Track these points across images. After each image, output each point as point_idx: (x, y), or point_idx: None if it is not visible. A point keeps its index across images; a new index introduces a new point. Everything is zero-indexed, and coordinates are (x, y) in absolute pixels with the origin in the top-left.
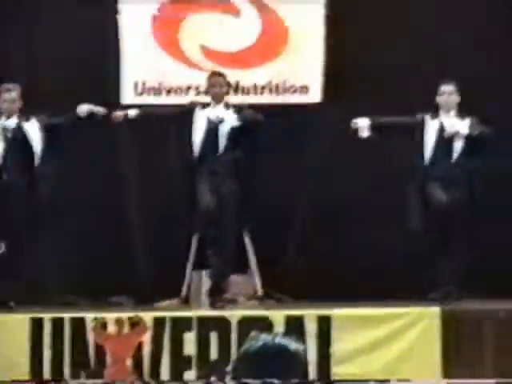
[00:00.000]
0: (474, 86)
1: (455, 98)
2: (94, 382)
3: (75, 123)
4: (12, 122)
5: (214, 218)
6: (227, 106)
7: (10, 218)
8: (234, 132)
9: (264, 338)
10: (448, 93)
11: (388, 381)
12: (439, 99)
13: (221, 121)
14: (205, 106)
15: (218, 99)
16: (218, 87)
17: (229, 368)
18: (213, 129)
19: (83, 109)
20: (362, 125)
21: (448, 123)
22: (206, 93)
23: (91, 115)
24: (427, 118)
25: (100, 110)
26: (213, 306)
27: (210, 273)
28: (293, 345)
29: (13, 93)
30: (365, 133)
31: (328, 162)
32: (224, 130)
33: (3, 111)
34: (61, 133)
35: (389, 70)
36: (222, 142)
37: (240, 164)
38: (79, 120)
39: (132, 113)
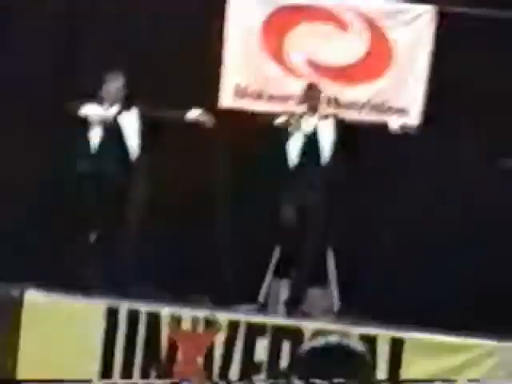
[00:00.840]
0: None
1: None
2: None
3: (178, 123)
4: (112, 112)
5: (298, 232)
6: (324, 117)
7: (100, 209)
8: (330, 145)
9: (329, 338)
10: None
11: (455, 380)
12: None
13: (314, 133)
14: (301, 116)
15: (313, 111)
16: (313, 100)
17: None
18: (308, 141)
19: (193, 114)
20: None
21: None
22: (303, 103)
23: (197, 120)
24: None
25: (207, 119)
26: (289, 315)
27: (289, 283)
28: (359, 347)
29: (118, 82)
30: None
31: (421, 187)
32: (320, 143)
33: (106, 99)
34: (159, 128)
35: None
36: (318, 155)
37: (332, 179)
38: (183, 121)
39: None
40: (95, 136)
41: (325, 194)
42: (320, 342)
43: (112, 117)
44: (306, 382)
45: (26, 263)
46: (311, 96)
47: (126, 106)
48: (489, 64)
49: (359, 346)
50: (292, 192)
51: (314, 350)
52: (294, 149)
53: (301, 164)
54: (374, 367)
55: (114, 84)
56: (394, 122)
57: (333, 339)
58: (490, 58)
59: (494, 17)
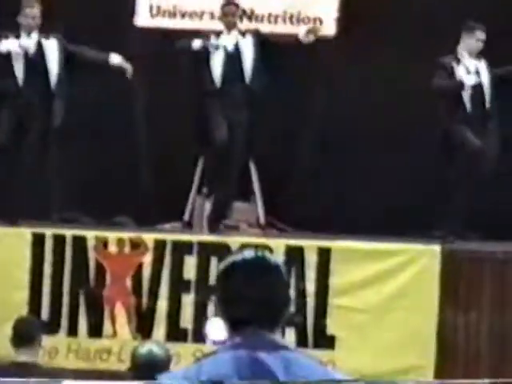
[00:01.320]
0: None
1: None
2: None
3: (99, 64)
4: (31, 40)
5: (222, 148)
6: (243, 33)
7: (23, 135)
8: (251, 61)
9: (245, 253)
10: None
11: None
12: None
13: (236, 50)
14: (219, 34)
15: (230, 27)
16: (230, 16)
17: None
18: (230, 59)
19: (115, 60)
20: None
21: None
22: (220, 20)
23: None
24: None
25: (128, 68)
26: (214, 231)
27: (212, 198)
28: (273, 259)
29: (35, 9)
30: None
31: (337, 96)
32: (242, 60)
33: (23, 27)
34: (79, 61)
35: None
36: (240, 72)
37: (254, 92)
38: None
39: None
40: (19, 71)
41: (248, 109)
42: (236, 257)
43: (33, 44)
44: (223, 299)
45: None
46: (229, 12)
47: (45, 33)
48: None
49: (274, 258)
50: (218, 109)
51: (231, 266)
52: (216, 67)
53: (224, 82)
54: (289, 278)
55: (31, 10)
56: (302, 31)
57: (248, 253)
58: None
59: None
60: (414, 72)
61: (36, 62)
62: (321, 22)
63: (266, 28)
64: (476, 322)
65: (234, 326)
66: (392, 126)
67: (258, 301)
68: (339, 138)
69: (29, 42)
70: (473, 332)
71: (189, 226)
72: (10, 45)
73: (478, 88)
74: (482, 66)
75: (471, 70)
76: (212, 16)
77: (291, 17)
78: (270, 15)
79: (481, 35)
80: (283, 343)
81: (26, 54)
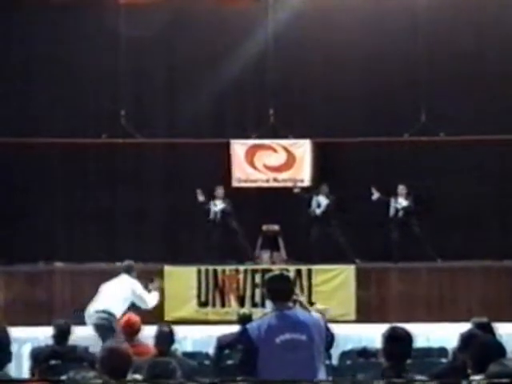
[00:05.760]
0: None
1: None
2: None
3: None
4: None
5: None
6: None
7: None
8: None
9: (278, 271)
10: None
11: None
12: None
13: None
14: None
15: None
16: None
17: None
18: None
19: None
20: None
21: None
22: None
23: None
24: None
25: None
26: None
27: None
28: (285, 273)
29: None
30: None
31: None
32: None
33: None
34: None
35: None
36: None
37: None
38: None
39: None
40: None
41: None
42: (275, 272)
43: None
44: (269, 289)
45: None
46: None
47: None
48: None
49: (290, 274)
50: None
51: (271, 276)
52: None
53: None
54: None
55: None
56: None
57: (278, 272)
58: None
59: None
60: None
61: None
62: None
63: None
64: None
65: (274, 301)
66: None
67: (282, 289)
68: None
69: None
70: None
71: (256, 263)
72: None
73: None
74: None
75: None
76: None
77: None
78: None
79: None
80: (292, 306)
81: None
